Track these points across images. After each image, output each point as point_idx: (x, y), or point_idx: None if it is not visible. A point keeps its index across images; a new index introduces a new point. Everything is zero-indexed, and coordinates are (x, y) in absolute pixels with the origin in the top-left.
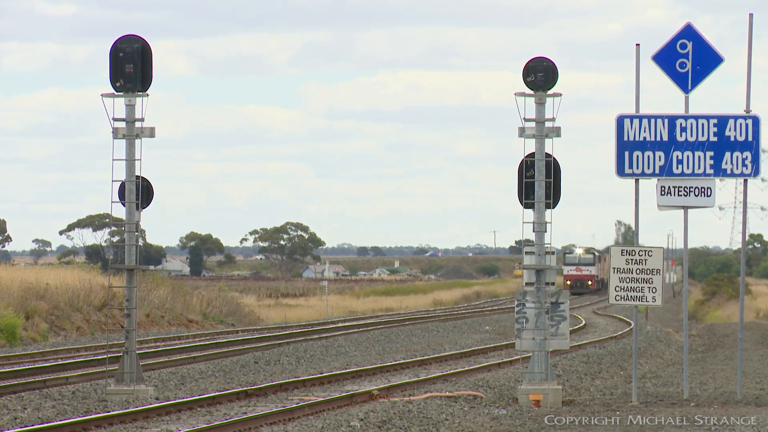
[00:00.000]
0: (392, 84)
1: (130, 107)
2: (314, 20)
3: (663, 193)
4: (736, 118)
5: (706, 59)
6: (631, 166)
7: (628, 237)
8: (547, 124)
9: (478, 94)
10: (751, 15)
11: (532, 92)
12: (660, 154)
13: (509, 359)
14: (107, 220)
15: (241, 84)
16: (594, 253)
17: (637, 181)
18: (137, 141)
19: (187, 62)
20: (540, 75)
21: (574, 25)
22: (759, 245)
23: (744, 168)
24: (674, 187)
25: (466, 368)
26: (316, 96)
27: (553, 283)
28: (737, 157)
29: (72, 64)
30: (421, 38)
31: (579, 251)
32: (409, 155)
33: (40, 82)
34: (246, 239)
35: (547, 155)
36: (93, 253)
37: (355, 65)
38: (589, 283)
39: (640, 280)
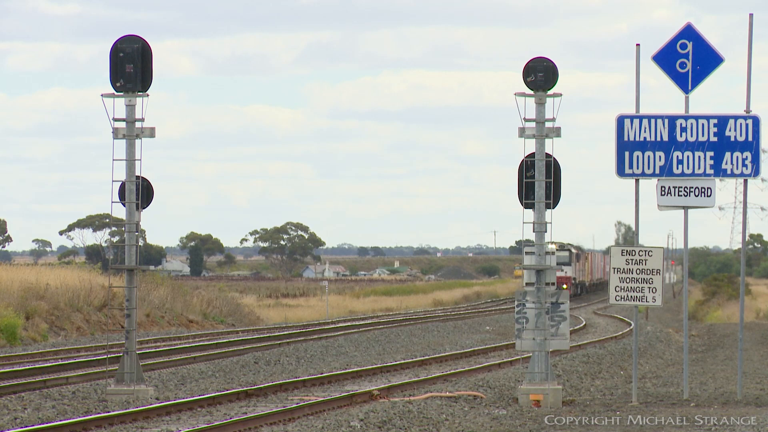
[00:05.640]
0: (396, 84)
1: (130, 107)
2: (318, 20)
3: (663, 193)
4: (736, 118)
5: (706, 59)
6: (631, 166)
7: (629, 237)
8: (547, 125)
9: (482, 94)
10: (751, 15)
11: (532, 92)
12: (660, 154)
13: (509, 359)
14: (107, 220)
15: (244, 84)
16: (570, 251)
17: (637, 181)
18: (137, 141)
19: (191, 62)
20: (540, 75)
21: (579, 26)
22: (759, 245)
23: (744, 168)
24: (674, 187)
25: (467, 368)
26: (320, 96)
27: (553, 284)
28: (737, 157)
29: (76, 64)
30: (425, 38)
31: (551, 248)
32: (411, 155)
33: (44, 82)
34: (246, 239)
35: (547, 155)
36: (93, 253)
37: (358, 65)
38: (564, 287)
39: (640, 280)
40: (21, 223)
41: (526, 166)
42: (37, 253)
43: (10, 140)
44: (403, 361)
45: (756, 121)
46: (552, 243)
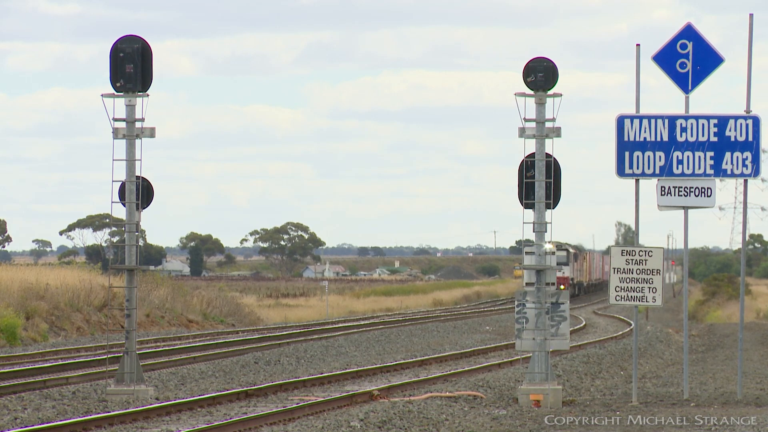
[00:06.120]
0: (396, 84)
1: (131, 107)
2: (318, 20)
3: (663, 193)
4: (736, 118)
5: (706, 59)
6: (631, 167)
7: (629, 237)
8: (548, 125)
9: (482, 94)
10: (751, 15)
11: (532, 92)
12: (660, 154)
13: (509, 359)
14: (107, 220)
15: (244, 84)
16: (568, 251)
17: (637, 181)
18: (137, 141)
19: (191, 62)
20: (540, 75)
21: (579, 26)
22: (759, 245)
23: (744, 168)
24: (674, 187)
25: (467, 368)
26: (320, 96)
27: (553, 284)
28: (737, 157)
29: (76, 64)
30: (425, 38)
31: (549, 247)
32: (411, 155)
33: (44, 82)
34: (246, 240)
35: (547, 155)
36: (93, 254)
37: (358, 65)
38: (562, 287)
39: (640, 280)
40: (21, 223)
41: (526, 166)
42: (37, 253)
43: (10, 140)
44: (403, 361)
45: (756, 121)
46: (549, 243)
